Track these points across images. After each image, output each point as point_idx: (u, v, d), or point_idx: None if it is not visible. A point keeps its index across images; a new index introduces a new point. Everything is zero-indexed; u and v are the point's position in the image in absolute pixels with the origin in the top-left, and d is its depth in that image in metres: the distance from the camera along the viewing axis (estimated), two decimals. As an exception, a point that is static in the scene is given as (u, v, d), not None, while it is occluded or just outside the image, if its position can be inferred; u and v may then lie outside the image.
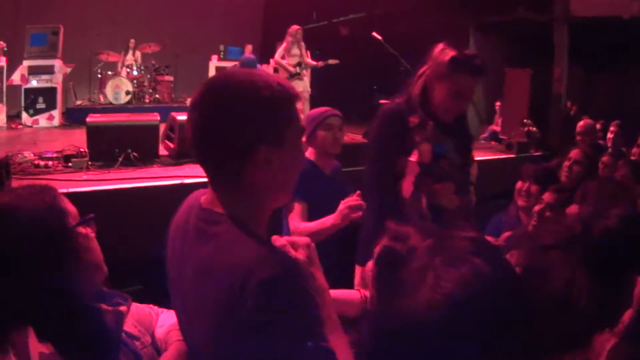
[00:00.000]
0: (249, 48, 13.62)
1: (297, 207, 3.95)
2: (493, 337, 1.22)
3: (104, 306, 2.04)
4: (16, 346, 1.80)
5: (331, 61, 11.52)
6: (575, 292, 1.86)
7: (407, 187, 3.53)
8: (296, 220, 3.92)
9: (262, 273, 1.59)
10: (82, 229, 2.05)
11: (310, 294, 1.73)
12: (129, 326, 2.26)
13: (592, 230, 2.03)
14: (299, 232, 3.69)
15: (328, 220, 3.67)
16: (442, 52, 3.73)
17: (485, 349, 1.21)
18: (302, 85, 10.93)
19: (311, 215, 3.95)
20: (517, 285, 1.39)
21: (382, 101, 9.07)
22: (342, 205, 3.56)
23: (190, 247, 1.81)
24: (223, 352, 1.68)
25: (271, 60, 13.28)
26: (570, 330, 1.86)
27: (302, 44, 11.19)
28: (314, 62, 11.45)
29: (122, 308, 2.11)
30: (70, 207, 2.05)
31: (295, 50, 11.08)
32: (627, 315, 2.68)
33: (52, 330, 1.87)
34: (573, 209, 3.67)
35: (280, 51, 11.30)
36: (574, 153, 5.44)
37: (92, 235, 2.11)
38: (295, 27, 11.27)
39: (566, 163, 5.40)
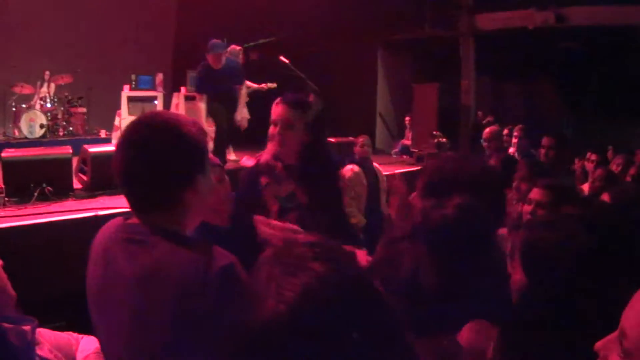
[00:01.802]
0: (159, 76, 13.62)
1: None
2: (344, 336, 1.23)
3: (4, 324, 2.15)
4: None
5: (269, 85, 11.64)
6: (422, 275, 2.08)
7: None
8: None
9: (218, 264, 1.86)
10: None
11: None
12: (44, 352, 2.36)
13: (431, 220, 2.28)
14: None
15: None
16: None
17: (337, 349, 1.22)
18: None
19: None
20: (362, 282, 1.36)
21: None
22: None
23: (125, 262, 1.97)
24: (188, 342, 1.85)
25: (182, 88, 13.36)
26: (425, 314, 2.03)
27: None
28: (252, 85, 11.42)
29: (25, 327, 2.21)
30: None
31: None
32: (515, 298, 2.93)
33: None
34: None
35: None
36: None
37: None
38: (236, 47, 11.44)
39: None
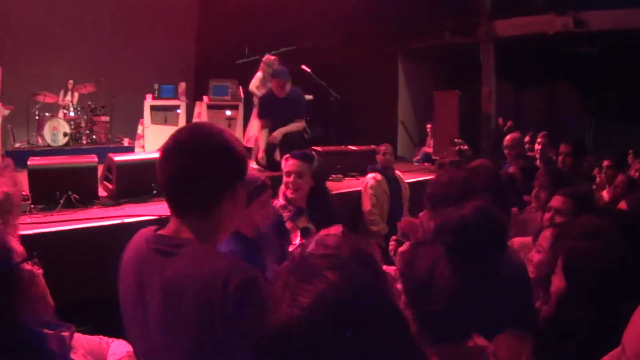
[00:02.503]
0: (182, 85, 13.67)
1: None
2: (356, 341, 1.29)
3: (46, 330, 2.19)
4: None
5: (306, 97, 10.66)
6: (438, 275, 2.12)
7: None
8: None
9: (239, 276, 1.92)
10: (27, 266, 2.21)
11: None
12: (78, 356, 2.41)
13: (450, 220, 2.31)
14: None
15: None
16: None
17: (349, 353, 1.28)
18: None
19: None
20: (374, 290, 1.40)
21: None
22: None
23: (153, 272, 2.05)
24: (207, 351, 1.93)
25: (205, 97, 13.43)
26: (438, 316, 2.08)
27: None
28: None
29: (65, 333, 2.26)
30: (17, 246, 2.23)
31: (269, 83, 10.11)
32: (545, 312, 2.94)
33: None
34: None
35: (254, 81, 11.13)
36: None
37: (38, 271, 2.27)
38: (271, 57, 11.09)
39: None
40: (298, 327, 1.28)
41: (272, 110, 8.95)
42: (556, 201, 4.31)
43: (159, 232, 2.16)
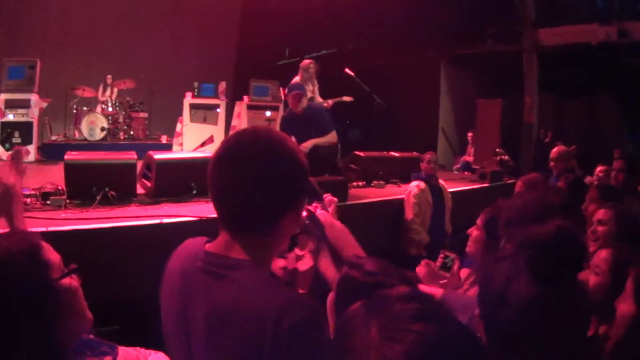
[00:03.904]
0: (222, 85, 13.67)
1: None
2: None
3: (88, 358, 2.03)
4: None
5: (345, 98, 10.77)
6: (513, 290, 1.96)
7: None
8: None
9: (296, 314, 1.68)
10: (66, 281, 2.00)
11: (329, 336, 1.75)
12: None
13: (533, 236, 2.16)
14: None
15: None
16: None
17: None
18: None
19: None
20: (467, 338, 1.24)
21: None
22: None
23: (200, 295, 1.85)
24: None
25: (245, 97, 13.38)
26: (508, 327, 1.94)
27: (315, 80, 10.42)
28: (322, 100, 10.53)
29: (108, 358, 2.12)
30: (53, 257, 2.01)
31: (309, 86, 10.14)
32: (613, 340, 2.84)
33: None
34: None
35: None
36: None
37: (77, 284, 2.06)
38: (307, 61, 10.60)
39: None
40: None
41: (293, 129, 8.17)
42: (600, 214, 4.23)
43: (208, 247, 1.93)
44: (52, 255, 2.00)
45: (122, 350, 2.41)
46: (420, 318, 1.17)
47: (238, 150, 1.89)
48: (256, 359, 1.69)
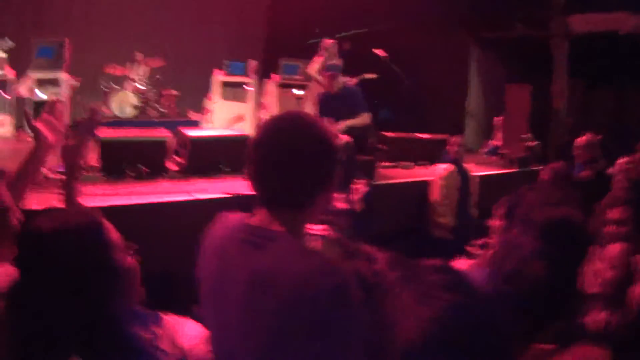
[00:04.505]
0: (252, 63, 13.71)
1: None
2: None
3: (144, 334, 2.15)
4: None
5: (367, 75, 10.86)
6: (527, 267, 2.14)
7: None
8: None
9: (332, 280, 1.84)
10: (126, 259, 2.19)
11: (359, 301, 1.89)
12: (165, 345, 2.37)
13: (547, 217, 2.31)
14: None
15: None
16: None
17: None
18: None
19: None
20: (489, 305, 1.42)
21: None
22: None
23: (240, 263, 2.00)
24: (284, 354, 1.88)
25: (274, 76, 13.43)
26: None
27: (337, 59, 10.22)
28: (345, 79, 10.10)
29: (157, 329, 2.23)
30: (115, 236, 2.17)
31: None
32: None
33: (96, 355, 2.00)
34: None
35: (314, 64, 10.85)
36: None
37: (135, 263, 2.24)
38: (329, 41, 10.80)
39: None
40: (422, 350, 1.29)
41: (329, 109, 8.41)
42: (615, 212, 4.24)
43: (249, 221, 2.10)
44: (114, 235, 2.17)
45: (165, 318, 2.52)
46: (449, 289, 1.34)
47: (276, 135, 2.07)
48: (291, 321, 1.84)
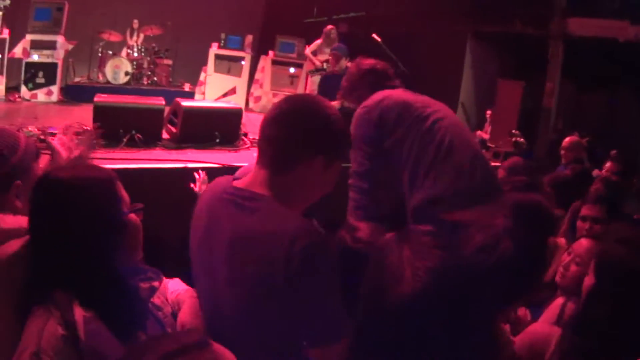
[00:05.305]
0: (249, 38, 13.73)
1: None
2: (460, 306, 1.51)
3: (141, 284, 2.31)
4: (61, 307, 2.01)
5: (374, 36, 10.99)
6: (502, 247, 2.35)
7: None
8: None
9: (307, 238, 1.97)
10: (132, 216, 2.32)
11: (335, 262, 2.06)
12: (154, 298, 2.49)
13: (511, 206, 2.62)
14: None
15: None
16: None
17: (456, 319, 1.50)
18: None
19: None
20: (473, 265, 1.70)
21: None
22: None
23: (225, 222, 2.14)
24: (266, 308, 2.01)
25: (270, 52, 13.47)
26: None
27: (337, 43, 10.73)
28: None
29: (155, 284, 2.38)
30: (124, 194, 2.32)
31: (327, 49, 10.92)
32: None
33: (96, 299, 2.09)
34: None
35: (313, 46, 11.56)
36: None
37: (139, 221, 2.37)
38: (329, 26, 11.37)
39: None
40: (419, 298, 1.49)
41: (329, 89, 8.75)
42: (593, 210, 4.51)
43: (236, 183, 2.26)
44: (124, 192, 2.32)
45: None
46: (440, 248, 1.56)
47: (286, 111, 2.27)
48: (270, 277, 1.97)
